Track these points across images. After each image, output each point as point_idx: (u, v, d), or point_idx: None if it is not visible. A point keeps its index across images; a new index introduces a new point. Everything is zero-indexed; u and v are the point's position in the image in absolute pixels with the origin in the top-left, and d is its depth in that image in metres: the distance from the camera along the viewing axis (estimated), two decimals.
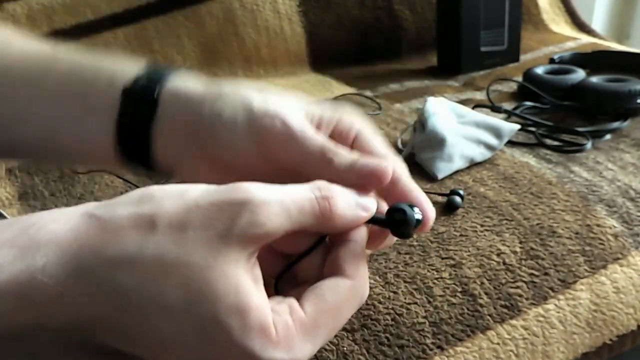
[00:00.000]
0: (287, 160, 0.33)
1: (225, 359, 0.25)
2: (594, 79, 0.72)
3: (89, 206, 0.27)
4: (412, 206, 0.31)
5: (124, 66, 0.37)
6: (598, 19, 1.60)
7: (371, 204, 0.30)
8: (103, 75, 0.36)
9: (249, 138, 0.33)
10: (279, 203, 0.26)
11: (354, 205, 0.29)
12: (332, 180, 0.30)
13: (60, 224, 0.25)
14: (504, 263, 0.45)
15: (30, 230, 0.25)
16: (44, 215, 0.26)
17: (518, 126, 0.62)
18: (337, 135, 0.35)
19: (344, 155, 0.33)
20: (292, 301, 0.27)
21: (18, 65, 0.38)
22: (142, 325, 0.25)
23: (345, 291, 0.29)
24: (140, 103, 0.35)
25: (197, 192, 0.27)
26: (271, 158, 0.34)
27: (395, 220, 0.31)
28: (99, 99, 0.36)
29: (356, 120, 0.36)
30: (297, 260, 0.31)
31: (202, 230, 0.25)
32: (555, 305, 0.43)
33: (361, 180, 0.31)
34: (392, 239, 0.35)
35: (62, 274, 0.24)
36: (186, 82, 0.36)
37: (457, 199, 0.51)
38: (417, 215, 0.31)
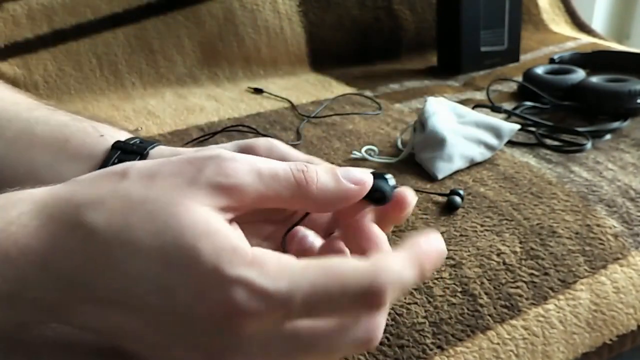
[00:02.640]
0: None
1: (192, 287, 0.24)
2: (594, 79, 0.72)
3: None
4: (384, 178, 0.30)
5: (120, 130, 0.41)
6: (598, 19, 1.60)
7: (363, 177, 0.28)
8: (101, 129, 0.40)
9: None
10: (248, 162, 0.27)
11: (339, 178, 0.28)
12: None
13: (39, 189, 0.27)
14: (504, 263, 0.45)
15: (6, 191, 0.27)
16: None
17: (518, 126, 0.62)
18: None
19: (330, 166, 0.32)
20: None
21: (11, 107, 0.41)
22: (108, 269, 0.24)
23: (359, 269, 0.24)
24: (130, 154, 0.38)
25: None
26: None
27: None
28: (86, 146, 0.39)
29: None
30: (297, 223, 0.33)
31: (171, 178, 0.26)
32: (555, 305, 0.43)
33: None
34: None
35: (36, 221, 0.25)
36: (175, 147, 0.40)
37: (457, 199, 0.51)
38: (391, 181, 0.30)
